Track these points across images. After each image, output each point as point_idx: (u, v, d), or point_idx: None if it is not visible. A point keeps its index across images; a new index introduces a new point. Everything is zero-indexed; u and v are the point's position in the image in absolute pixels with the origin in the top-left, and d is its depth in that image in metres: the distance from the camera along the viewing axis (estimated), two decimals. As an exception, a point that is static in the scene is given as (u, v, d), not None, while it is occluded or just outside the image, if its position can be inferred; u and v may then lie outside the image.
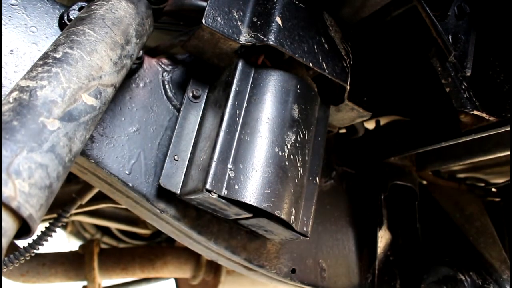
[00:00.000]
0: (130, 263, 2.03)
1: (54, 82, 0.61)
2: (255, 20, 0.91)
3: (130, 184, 0.91)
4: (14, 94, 0.58)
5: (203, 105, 0.99)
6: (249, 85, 0.91)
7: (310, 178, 0.97)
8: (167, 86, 0.99)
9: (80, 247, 1.99)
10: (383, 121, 1.51)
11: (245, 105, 0.89)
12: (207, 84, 1.01)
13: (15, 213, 0.50)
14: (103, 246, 2.60)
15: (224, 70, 0.97)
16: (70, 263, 1.92)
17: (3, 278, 1.84)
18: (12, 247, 1.58)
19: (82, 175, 1.02)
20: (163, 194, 0.94)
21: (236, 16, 0.90)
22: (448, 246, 1.39)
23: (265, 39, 0.88)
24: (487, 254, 1.32)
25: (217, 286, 2.20)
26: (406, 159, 1.46)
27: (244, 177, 0.83)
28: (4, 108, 0.56)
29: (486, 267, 1.29)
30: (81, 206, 1.73)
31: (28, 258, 1.38)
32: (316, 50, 0.95)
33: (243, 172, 0.83)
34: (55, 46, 0.68)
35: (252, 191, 0.82)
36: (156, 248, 2.16)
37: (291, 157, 0.88)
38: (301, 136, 0.92)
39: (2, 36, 0.82)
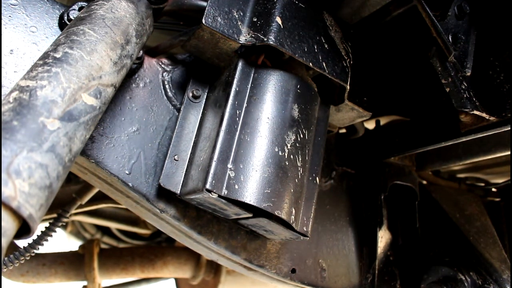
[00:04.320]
0: (130, 263, 2.03)
1: (54, 82, 0.61)
2: (255, 20, 0.91)
3: (130, 184, 0.91)
4: (14, 94, 0.58)
5: (203, 105, 0.99)
6: (249, 85, 0.91)
7: (310, 178, 0.97)
8: (167, 86, 0.99)
9: (80, 247, 1.99)
10: (383, 121, 1.51)
11: (245, 105, 0.89)
12: (207, 84, 1.01)
13: (15, 213, 0.50)
14: (103, 246, 2.60)
15: (224, 70, 0.97)
16: (70, 263, 1.92)
17: (3, 278, 1.84)
18: (12, 247, 1.58)
19: (82, 175, 1.02)
20: (163, 194, 0.94)
21: (236, 16, 0.90)
22: (448, 246, 1.39)
23: (265, 39, 0.88)
24: (487, 254, 1.32)
25: (217, 286, 2.20)
26: (406, 159, 1.46)
27: (244, 177, 0.83)
28: (4, 108, 0.56)
29: (486, 267, 1.29)
30: (81, 206, 1.73)
31: (28, 258, 1.38)
32: (316, 50, 0.95)
33: (243, 172, 0.83)
34: (55, 46, 0.68)
35: (252, 191, 0.82)
36: (156, 248, 2.16)
37: (291, 157, 0.88)
38: (301, 136, 0.92)
39: (2, 36, 0.82)
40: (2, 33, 0.82)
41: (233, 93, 0.88)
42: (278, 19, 0.90)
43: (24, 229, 0.54)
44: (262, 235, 1.02)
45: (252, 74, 0.92)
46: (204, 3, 0.93)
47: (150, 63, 0.99)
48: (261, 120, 0.88)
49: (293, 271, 1.12)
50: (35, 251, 1.40)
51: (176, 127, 0.95)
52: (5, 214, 0.49)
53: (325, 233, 1.25)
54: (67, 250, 2.00)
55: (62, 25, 0.88)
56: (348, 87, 0.99)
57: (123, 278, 2.25)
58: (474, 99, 0.96)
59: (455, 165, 1.53)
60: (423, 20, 0.90)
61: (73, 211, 1.64)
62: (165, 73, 1.00)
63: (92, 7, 0.78)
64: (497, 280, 1.27)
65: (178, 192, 0.90)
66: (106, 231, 2.80)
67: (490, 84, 0.98)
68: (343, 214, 1.32)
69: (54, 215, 1.54)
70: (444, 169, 1.72)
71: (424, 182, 1.63)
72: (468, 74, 0.96)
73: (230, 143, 0.84)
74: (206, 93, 1.01)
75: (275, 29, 0.89)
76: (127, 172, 0.90)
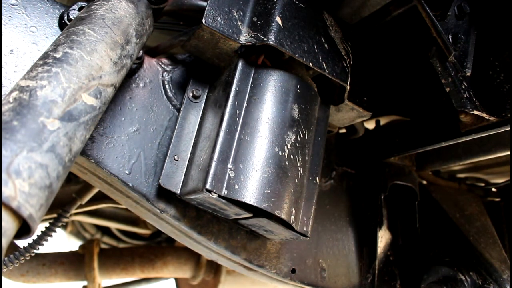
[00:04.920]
0: (130, 263, 2.03)
1: (54, 82, 0.61)
2: (255, 20, 0.91)
3: (130, 184, 0.91)
4: (14, 94, 0.58)
5: (203, 105, 0.99)
6: (249, 85, 0.91)
7: (310, 178, 0.97)
8: (167, 86, 0.99)
9: (80, 247, 1.99)
10: (383, 121, 1.51)
11: (245, 105, 0.89)
12: (207, 84, 1.01)
13: (15, 213, 0.50)
14: (103, 246, 2.60)
15: (224, 70, 0.97)
16: (70, 263, 1.92)
17: (3, 278, 1.84)
18: (12, 247, 1.58)
19: (82, 175, 1.02)
20: (163, 194, 0.94)
21: (236, 16, 0.90)
22: (448, 246, 1.39)
23: (265, 39, 0.88)
24: (487, 254, 1.32)
25: (217, 286, 2.20)
26: (406, 159, 1.46)
27: (244, 177, 0.83)
28: (4, 108, 0.56)
29: (486, 267, 1.29)
30: (81, 206, 1.73)
31: (28, 258, 1.38)
32: (316, 50, 0.95)
33: (243, 172, 0.83)
34: (55, 46, 0.68)
35: (252, 191, 0.82)
36: (156, 248, 2.16)
37: (291, 157, 0.88)
38: (301, 136, 0.92)
39: (2, 36, 0.82)
40: (2, 33, 0.82)
41: (233, 93, 0.88)
42: (278, 19, 0.90)
43: (24, 229, 0.54)
44: (262, 235, 1.02)
45: (252, 74, 0.92)
46: (204, 3, 0.93)
47: (150, 63, 0.99)
48: (261, 120, 0.88)
49: (293, 271, 1.12)
50: (35, 251, 1.40)
51: (176, 127, 0.95)
52: (5, 214, 0.49)
53: (325, 233, 1.25)
54: (67, 250, 2.00)
55: (62, 25, 0.87)
56: (348, 87, 0.99)
57: (123, 278, 2.25)
58: (474, 99, 0.96)
59: (455, 165, 1.53)
60: (423, 20, 0.90)
61: (73, 211, 1.64)
62: (165, 73, 1.00)
63: (92, 7, 0.78)
64: (497, 280, 1.27)
65: (178, 192, 0.90)
66: (106, 231, 2.80)
67: (490, 84, 0.98)
68: (343, 214, 1.32)
69: (54, 215, 1.54)
70: (444, 169, 1.72)
71: (424, 182, 1.63)
72: (468, 74, 0.96)
73: (230, 143, 0.84)
74: (206, 93, 1.01)
75: (275, 29, 0.89)
76: (127, 172, 0.90)
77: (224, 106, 0.87)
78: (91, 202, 1.82)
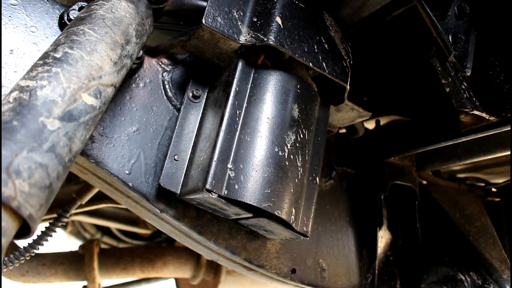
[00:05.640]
0: (130, 263, 2.03)
1: (54, 82, 0.61)
2: (255, 20, 0.91)
3: (130, 184, 0.91)
4: (14, 94, 0.58)
5: (203, 105, 0.99)
6: (249, 85, 0.91)
7: (310, 178, 0.97)
8: (167, 86, 0.99)
9: (80, 247, 2.00)
10: (383, 121, 1.52)
11: (245, 105, 0.89)
12: (207, 84, 1.01)
13: (15, 213, 0.50)
14: (103, 246, 2.60)
15: (224, 70, 0.97)
16: (70, 263, 1.92)
17: (3, 278, 1.84)
18: (12, 247, 1.58)
19: (82, 175, 1.02)
20: (163, 194, 0.94)
21: (236, 16, 0.90)
22: (448, 246, 1.39)
23: (265, 39, 0.88)
24: (487, 254, 1.32)
25: (217, 286, 2.20)
26: (406, 159, 1.46)
27: (244, 177, 0.83)
28: (4, 108, 0.56)
29: (486, 267, 1.29)
30: (81, 206, 1.73)
31: (28, 258, 1.38)
32: (316, 50, 0.95)
33: (243, 172, 0.83)
34: (55, 46, 0.68)
35: (252, 191, 0.82)
36: (156, 248, 2.16)
37: (291, 157, 0.88)
38: (301, 136, 0.92)
39: (2, 36, 0.82)
40: (2, 33, 0.82)
41: (233, 93, 0.88)
42: (278, 19, 0.90)
43: (24, 229, 0.54)
44: (262, 235, 1.02)
45: (252, 74, 0.92)
46: (204, 3, 0.93)
47: (150, 63, 0.99)
48: (261, 120, 0.88)
49: (293, 271, 1.12)
50: (35, 251, 1.40)
51: (176, 127, 0.95)
52: (5, 214, 0.49)
53: (325, 233, 1.25)
54: (67, 250, 2.00)
55: (62, 25, 0.88)
56: (348, 87, 0.99)
57: (123, 278, 2.25)
58: (474, 99, 0.96)
59: (455, 165, 1.53)
60: (423, 20, 0.90)
61: (73, 211, 1.64)
62: (165, 73, 1.00)
63: (92, 7, 0.78)
64: (497, 280, 1.27)
65: (178, 192, 0.90)
66: (106, 231, 2.80)
67: (490, 84, 0.98)
68: (343, 214, 1.32)
69: (54, 215, 1.54)
70: (444, 169, 1.72)
71: (424, 182, 1.63)
72: (468, 74, 0.96)
73: (230, 143, 0.84)
74: (206, 93, 1.01)
75: (275, 29, 0.89)
76: (127, 172, 0.90)
77: (224, 106, 0.87)
78: (91, 202, 1.82)
